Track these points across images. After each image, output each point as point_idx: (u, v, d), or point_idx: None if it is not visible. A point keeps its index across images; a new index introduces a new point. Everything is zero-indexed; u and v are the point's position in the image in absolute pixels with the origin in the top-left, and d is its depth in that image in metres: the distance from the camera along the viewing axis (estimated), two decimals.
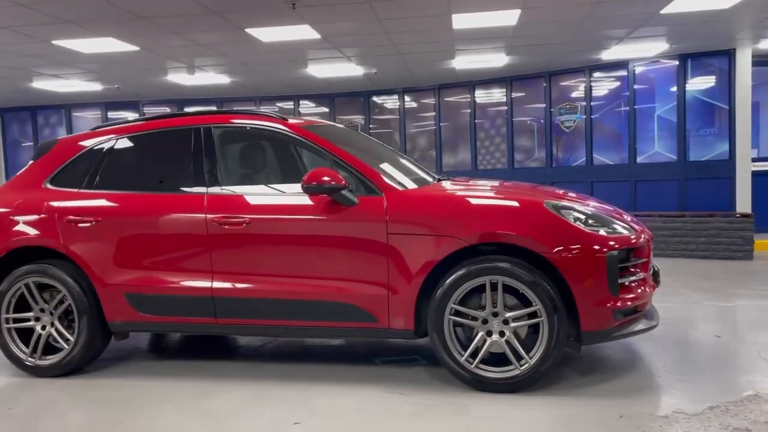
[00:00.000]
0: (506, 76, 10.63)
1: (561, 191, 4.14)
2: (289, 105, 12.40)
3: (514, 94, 10.82)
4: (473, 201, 3.62)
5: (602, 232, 3.45)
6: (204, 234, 3.82)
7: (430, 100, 11.67)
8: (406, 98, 11.83)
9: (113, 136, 4.25)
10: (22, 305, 4.12)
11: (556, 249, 3.35)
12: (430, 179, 4.31)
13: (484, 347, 3.46)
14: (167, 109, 12.58)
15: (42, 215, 4.08)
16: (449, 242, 3.46)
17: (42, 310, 4.10)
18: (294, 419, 3.21)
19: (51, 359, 4.07)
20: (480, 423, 3.11)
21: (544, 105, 10.50)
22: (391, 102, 12.06)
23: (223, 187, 3.92)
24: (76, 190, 4.14)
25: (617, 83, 9.91)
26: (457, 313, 3.49)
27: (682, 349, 4.21)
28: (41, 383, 3.98)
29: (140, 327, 4.05)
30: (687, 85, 9.23)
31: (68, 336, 4.06)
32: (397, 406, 3.34)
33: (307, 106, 12.42)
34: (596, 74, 9.98)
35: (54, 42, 6.46)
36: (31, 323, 4.10)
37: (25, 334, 4.12)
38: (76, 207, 4.05)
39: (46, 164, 4.30)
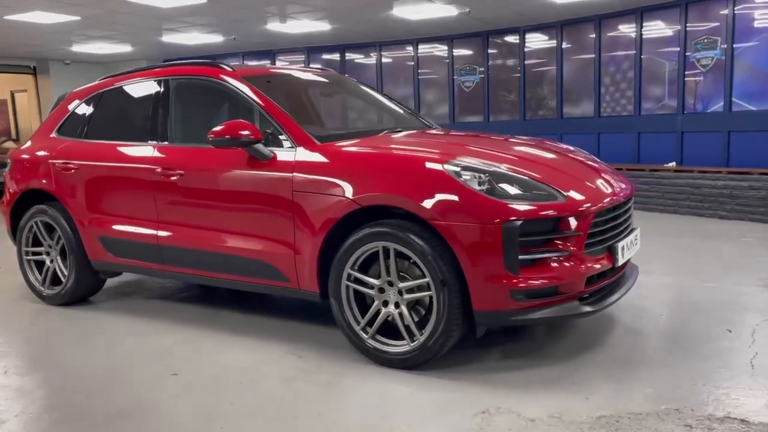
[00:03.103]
0: (635, 8, 9.24)
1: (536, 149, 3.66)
2: (409, 49, 12.15)
3: (644, 30, 9.38)
4: (367, 159, 3.30)
5: (515, 198, 2.93)
6: (150, 185, 3.97)
7: (552, 40, 10.61)
8: (528, 38, 10.88)
9: (102, 89, 4.54)
10: (38, 241, 4.69)
11: (443, 215, 2.93)
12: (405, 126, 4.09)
13: (379, 318, 3.20)
14: (302, 58, 13.09)
15: (44, 162, 4.55)
16: (341, 202, 3.20)
17: (50, 246, 4.63)
18: (177, 370, 3.29)
19: (53, 290, 4.61)
20: (335, 399, 2.91)
21: (678, 40, 8.98)
22: (512, 42, 11.20)
23: (169, 140, 4.02)
24: (71, 139, 4.54)
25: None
26: (357, 280, 3.25)
27: (668, 340, 3.49)
28: (44, 310, 4.52)
29: (115, 267, 4.40)
30: None
31: (65, 271, 4.55)
32: (280, 369, 3.25)
33: (436, 48, 11.97)
34: None
35: (128, 0, 7.02)
36: (42, 257, 4.66)
37: (41, 266, 4.71)
38: (64, 155, 4.44)
39: (57, 116, 4.75)
